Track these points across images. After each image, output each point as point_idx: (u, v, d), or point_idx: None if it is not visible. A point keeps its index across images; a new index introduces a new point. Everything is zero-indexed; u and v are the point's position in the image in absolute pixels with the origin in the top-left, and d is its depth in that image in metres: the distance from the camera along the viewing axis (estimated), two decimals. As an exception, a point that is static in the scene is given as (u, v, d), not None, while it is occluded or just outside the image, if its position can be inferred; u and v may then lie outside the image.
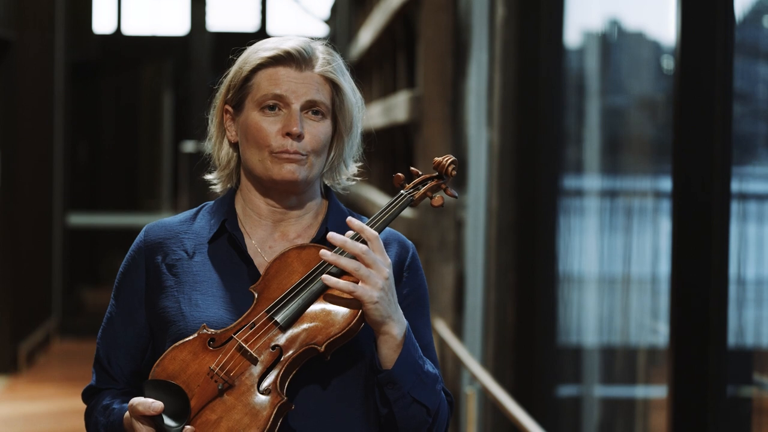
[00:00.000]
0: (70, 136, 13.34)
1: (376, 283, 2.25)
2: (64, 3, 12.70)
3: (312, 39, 2.44)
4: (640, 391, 5.13)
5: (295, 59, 2.38)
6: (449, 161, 2.41)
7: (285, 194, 2.41)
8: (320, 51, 2.42)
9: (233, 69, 2.43)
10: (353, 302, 2.28)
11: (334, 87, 2.40)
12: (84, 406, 2.52)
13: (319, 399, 2.34)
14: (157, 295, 2.41)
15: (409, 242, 2.48)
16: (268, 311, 2.29)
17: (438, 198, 2.43)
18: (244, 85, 2.40)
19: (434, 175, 2.44)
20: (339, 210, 2.46)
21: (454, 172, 2.41)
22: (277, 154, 2.36)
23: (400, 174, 2.41)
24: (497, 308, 6.15)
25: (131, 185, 16.54)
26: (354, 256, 2.26)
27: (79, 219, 14.50)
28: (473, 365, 5.45)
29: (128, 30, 16.79)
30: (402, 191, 2.41)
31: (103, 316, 2.50)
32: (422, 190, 2.42)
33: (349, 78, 2.44)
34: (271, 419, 2.24)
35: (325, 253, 2.28)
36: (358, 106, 2.44)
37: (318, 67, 2.39)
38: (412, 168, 2.45)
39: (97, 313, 10.62)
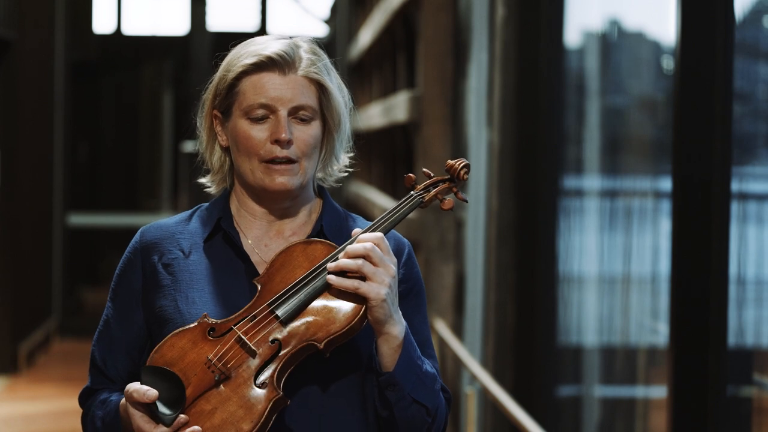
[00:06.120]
0: (70, 136, 13.33)
1: (384, 280, 2.25)
2: (64, 3, 12.69)
3: (296, 38, 2.41)
4: (640, 391, 5.13)
5: (278, 64, 2.35)
6: (462, 164, 2.38)
7: (279, 200, 2.41)
8: (304, 51, 2.39)
9: (218, 74, 2.42)
10: (356, 300, 2.27)
11: (320, 87, 2.38)
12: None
13: (317, 397, 2.33)
14: (154, 294, 2.40)
15: (405, 240, 2.47)
16: (269, 304, 2.28)
17: (448, 201, 2.39)
18: (230, 92, 2.39)
19: (446, 177, 2.40)
20: (333, 208, 2.46)
21: (466, 176, 2.38)
22: (268, 162, 2.35)
23: (411, 174, 2.38)
24: (497, 308, 6.14)
25: (131, 185, 16.53)
26: (361, 256, 2.26)
27: (79, 219, 14.49)
28: (473, 365, 5.45)
29: (128, 30, 16.78)
30: (412, 192, 2.39)
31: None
32: (432, 192, 2.39)
33: (335, 75, 2.42)
34: (265, 413, 2.23)
35: (330, 266, 2.27)
36: (345, 102, 2.42)
37: (302, 70, 2.36)
38: (424, 170, 2.41)
39: (97, 313, 10.60)
